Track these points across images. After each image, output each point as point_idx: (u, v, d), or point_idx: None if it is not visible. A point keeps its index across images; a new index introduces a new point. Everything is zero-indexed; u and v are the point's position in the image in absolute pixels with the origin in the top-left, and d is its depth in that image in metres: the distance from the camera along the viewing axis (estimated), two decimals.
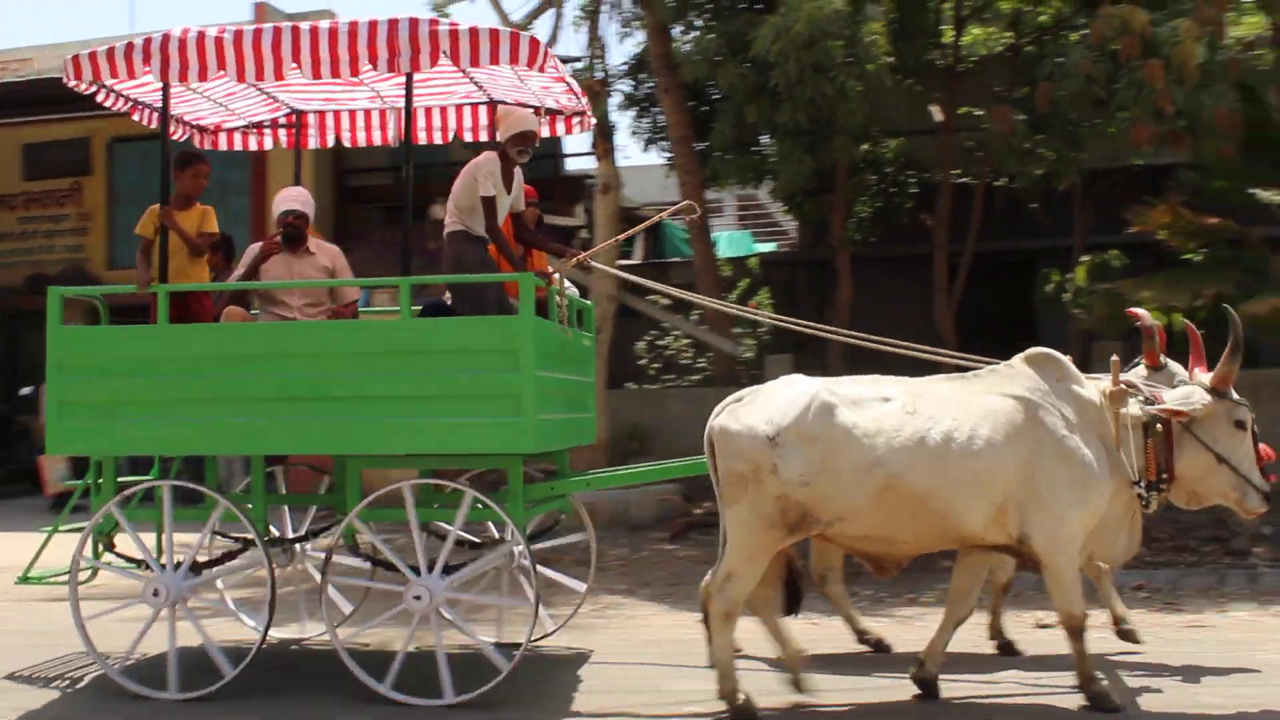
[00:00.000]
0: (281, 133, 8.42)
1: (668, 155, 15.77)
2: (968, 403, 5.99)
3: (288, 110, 8.23)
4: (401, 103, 6.79)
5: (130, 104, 7.44)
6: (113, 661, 6.70)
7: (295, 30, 6.31)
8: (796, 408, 5.90)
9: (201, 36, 6.40)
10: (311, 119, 8.32)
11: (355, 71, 6.41)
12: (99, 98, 7.16)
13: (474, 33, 6.27)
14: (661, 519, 12.34)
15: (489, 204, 6.85)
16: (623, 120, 25.54)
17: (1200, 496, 6.26)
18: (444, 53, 6.29)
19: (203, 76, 6.50)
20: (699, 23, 14.21)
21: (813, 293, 18.39)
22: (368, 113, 8.33)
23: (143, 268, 7.03)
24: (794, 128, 12.21)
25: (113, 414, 6.60)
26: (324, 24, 6.36)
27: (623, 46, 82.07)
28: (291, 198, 7.45)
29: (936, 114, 14.80)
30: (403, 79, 6.55)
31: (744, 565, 5.93)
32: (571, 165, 22.08)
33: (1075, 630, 5.98)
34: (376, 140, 8.44)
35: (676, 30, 14.77)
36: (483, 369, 6.30)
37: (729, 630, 5.97)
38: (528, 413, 6.25)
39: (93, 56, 6.57)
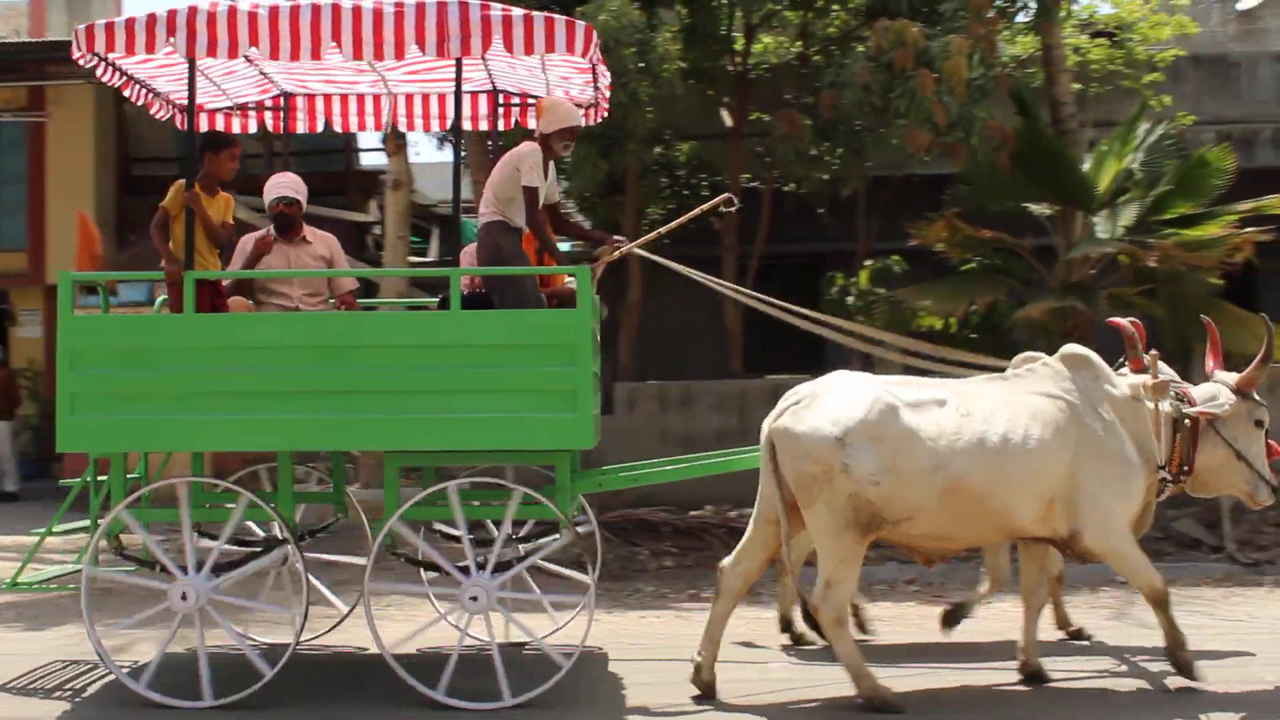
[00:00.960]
0: (268, 115, 8.19)
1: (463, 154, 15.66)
2: (1015, 404, 6.27)
3: (276, 92, 8.01)
4: (403, 88, 7.14)
5: (126, 79, 7.17)
6: (124, 667, 6.55)
7: (336, 9, 6.10)
8: (860, 407, 6.04)
9: (233, 11, 6.15)
10: (300, 102, 8.13)
11: (400, 55, 6.27)
12: (99, 72, 6.86)
13: (529, 20, 6.21)
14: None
15: (532, 194, 6.68)
16: None
17: (1212, 487, 6.81)
18: (496, 38, 6.21)
19: (233, 53, 6.26)
20: None
21: (604, 293, 18.51)
22: (360, 97, 8.16)
23: (161, 242, 6.74)
24: (586, 132, 12.30)
25: (132, 409, 6.28)
26: (366, 4, 6.15)
27: None
28: (283, 184, 7.29)
29: (728, 119, 15.17)
30: (412, 64, 6.73)
31: (839, 570, 6.05)
32: (365, 160, 21.75)
33: (1159, 602, 6.35)
34: (370, 126, 8.31)
35: None
36: (539, 363, 6.25)
37: (845, 633, 6.13)
38: (584, 408, 6.23)
39: (109, 27, 6.22)
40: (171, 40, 6.17)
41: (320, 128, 8.31)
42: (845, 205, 16.22)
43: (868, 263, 15.70)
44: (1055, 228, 13.65)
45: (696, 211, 8.50)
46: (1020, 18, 15.40)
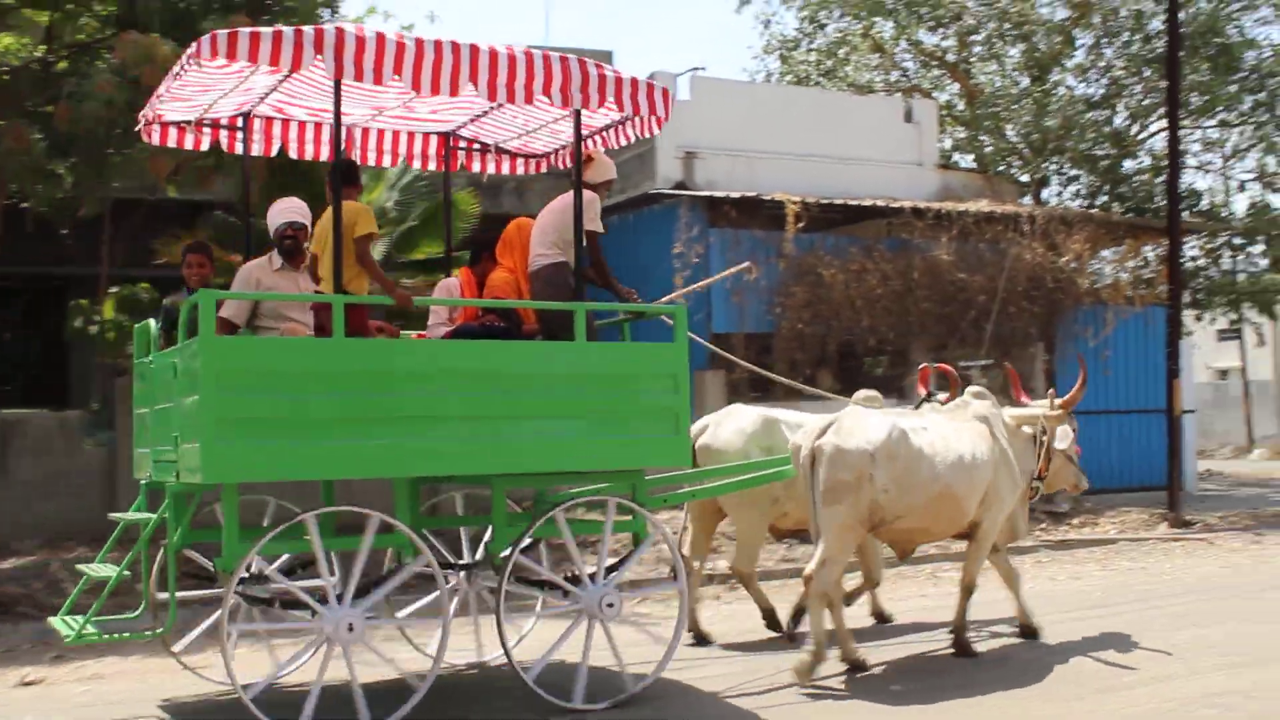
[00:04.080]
0: (223, 135, 7.98)
1: None
2: (964, 430, 8.22)
3: (234, 113, 7.80)
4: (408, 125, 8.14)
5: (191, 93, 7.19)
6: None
7: (474, 49, 6.49)
8: (883, 432, 7.71)
9: (380, 37, 6.27)
10: (258, 124, 7.97)
11: (529, 99, 6.73)
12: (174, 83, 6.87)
13: (634, 82, 7.03)
14: None
15: (596, 239, 7.41)
16: None
17: (1054, 485, 9.18)
18: (610, 95, 6.93)
19: (377, 79, 6.31)
20: None
21: None
22: (318, 125, 8.18)
23: (379, 271, 7.22)
24: None
25: (283, 435, 6.10)
26: (499, 47, 6.59)
27: None
28: (290, 209, 7.21)
29: None
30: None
31: (839, 554, 7.63)
32: None
33: (969, 590, 8.38)
34: (324, 155, 8.31)
35: None
36: (648, 390, 7.09)
37: (823, 607, 7.59)
38: (683, 430, 7.21)
39: (254, 37, 6.04)
40: (319, 58, 6.17)
41: (275, 151, 8.28)
42: (91, 227, 15.51)
43: (114, 290, 15.08)
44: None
45: (717, 277, 10.47)
46: None
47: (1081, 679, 7.60)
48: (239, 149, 7.97)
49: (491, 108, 7.82)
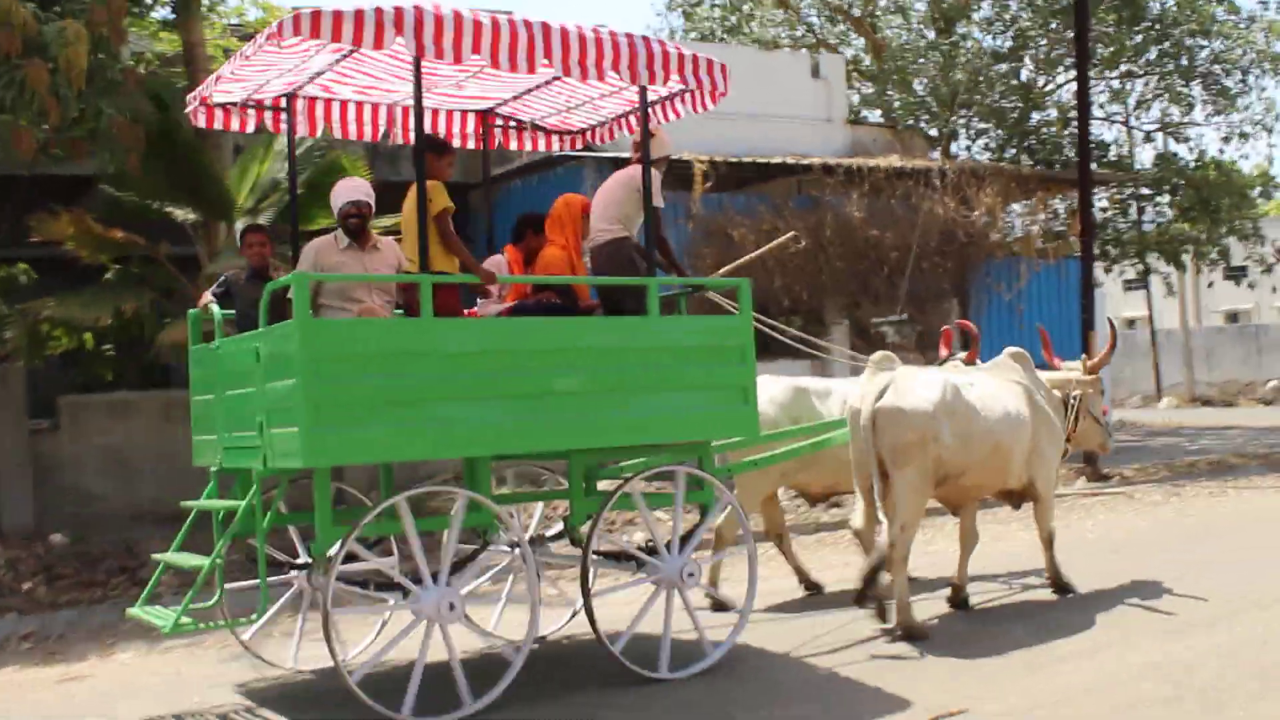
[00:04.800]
0: (267, 115, 7.94)
1: None
2: (1005, 387, 8.47)
3: (279, 94, 7.75)
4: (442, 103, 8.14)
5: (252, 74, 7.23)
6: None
7: (546, 27, 6.60)
8: (939, 389, 7.89)
9: (458, 15, 6.36)
10: (301, 104, 7.90)
11: (600, 76, 6.91)
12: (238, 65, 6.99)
13: (695, 59, 7.22)
14: None
15: (658, 214, 7.55)
16: None
17: (1081, 445, 9.58)
18: (674, 72, 7.11)
19: (457, 58, 6.42)
20: None
21: None
22: (359, 105, 8.18)
23: (458, 246, 7.04)
24: None
25: (379, 417, 6.16)
26: (569, 25, 6.72)
27: None
28: (354, 188, 7.24)
29: None
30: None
31: (914, 515, 7.80)
32: None
33: (1050, 541, 8.84)
34: (367, 135, 8.30)
35: None
36: (718, 363, 7.27)
37: (905, 569, 7.77)
38: (753, 402, 7.36)
39: (337, 16, 6.12)
40: (400, 39, 6.24)
41: (319, 132, 8.12)
42: None
43: None
44: (199, 236, 13.61)
45: (765, 250, 10.08)
46: (161, 13, 15.17)
47: (1008, 653, 7.42)
48: (283, 129, 8.00)
49: (535, 85, 8.02)
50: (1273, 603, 8.23)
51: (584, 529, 7.27)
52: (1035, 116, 26.63)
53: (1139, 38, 25.79)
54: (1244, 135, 27.78)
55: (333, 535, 6.42)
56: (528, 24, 6.56)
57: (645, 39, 7.04)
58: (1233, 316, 47.08)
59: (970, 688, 6.59)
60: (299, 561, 7.63)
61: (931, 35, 26.48)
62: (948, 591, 8.63)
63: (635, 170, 7.65)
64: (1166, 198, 27.49)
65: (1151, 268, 29.80)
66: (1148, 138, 28.70)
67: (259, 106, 7.84)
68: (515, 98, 8.29)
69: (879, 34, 27.23)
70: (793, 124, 19.18)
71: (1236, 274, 29.62)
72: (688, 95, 7.85)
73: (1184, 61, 26.42)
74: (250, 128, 7.97)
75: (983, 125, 26.59)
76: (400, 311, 7.27)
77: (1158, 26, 25.86)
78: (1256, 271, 29.82)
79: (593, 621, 6.91)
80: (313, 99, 7.95)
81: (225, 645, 8.40)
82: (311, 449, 5.99)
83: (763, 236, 16.93)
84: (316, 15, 6.11)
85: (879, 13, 27.39)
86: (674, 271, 8.07)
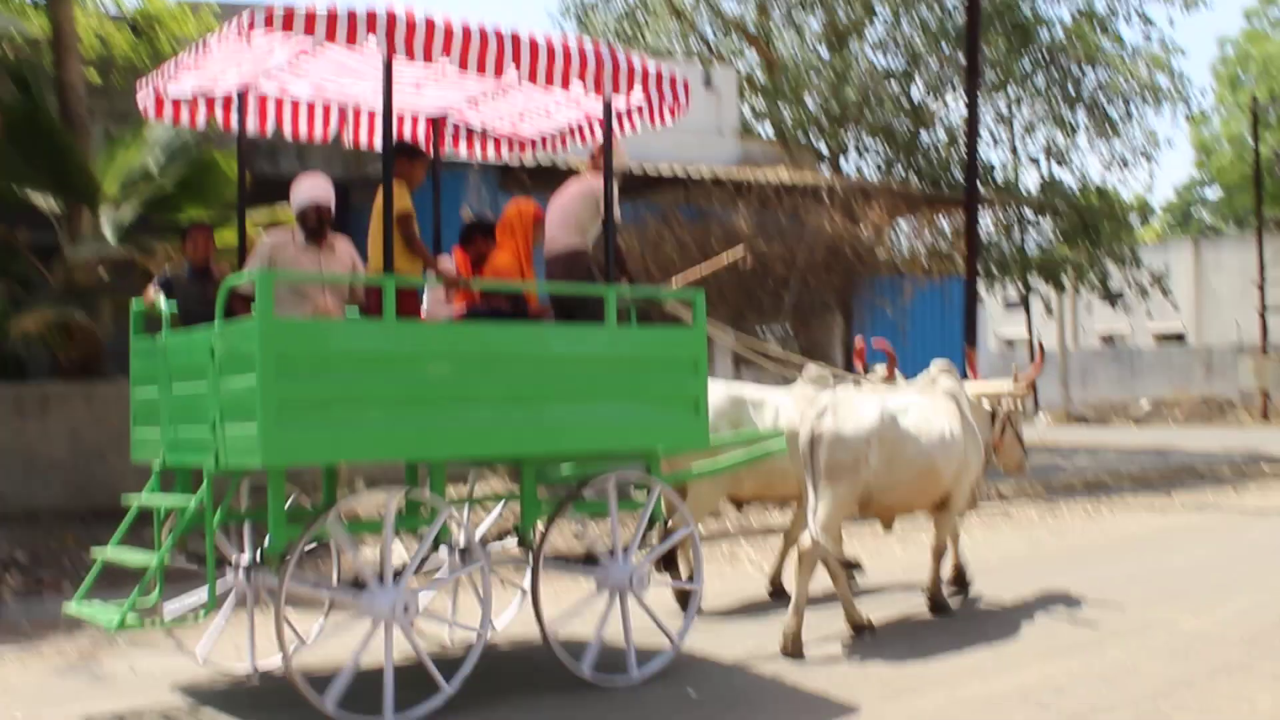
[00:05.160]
0: (219, 111, 7.79)
1: None
2: (939, 408, 8.77)
3: (230, 90, 7.57)
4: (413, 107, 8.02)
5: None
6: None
7: (515, 34, 6.65)
8: (876, 417, 8.18)
9: (429, 19, 6.43)
10: (251, 102, 7.78)
11: (565, 85, 6.90)
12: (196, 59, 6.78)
13: (660, 73, 7.30)
14: None
15: (616, 225, 7.50)
16: None
17: (999, 462, 9.64)
18: (637, 84, 7.17)
19: (427, 58, 6.48)
20: None
21: None
22: (311, 105, 8.09)
23: (424, 250, 7.15)
24: None
25: (338, 418, 6.17)
26: (536, 33, 6.76)
27: None
28: (316, 186, 7.16)
29: None
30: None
31: (836, 525, 8.14)
32: None
33: (940, 554, 9.01)
34: (317, 135, 8.16)
35: None
36: (672, 373, 7.33)
37: (813, 573, 8.00)
38: (703, 412, 7.45)
39: (310, 15, 6.08)
40: (371, 36, 6.26)
41: (270, 131, 7.94)
42: None
43: None
44: (61, 224, 13.08)
45: (721, 259, 9.99)
46: None
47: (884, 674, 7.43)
48: (234, 126, 7.78)
49: (489, 92, 7.94)
50: (1144, 628, 8.34)
51: (534, 534, 7.36)
52: (924, 137, 27.04)
53: (1027, 63, 26.32)
54: (1125, 163, 28.59)
55: (289, 534, 6.39)
56: (497, 31, 6.62)
57: (611, 49, 7.11)
58: (1109, 339, 48.38)
59: (917, 688, 6.86)
60: (242, 561, 7.44)
61: (824, 52, 26.74)
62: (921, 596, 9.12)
63: (593, 181, 7.73)
64: (1049, 221, 28.11)
65: (1032, 289, 30.44)
66: (1035, 162, 29.34)
67: (210, 101, 7.68)
68: (469, 104, 8.24)
69: (772, 49, 27.42)
70: (683, 134, 19.13)
71: (1113, 298, 30.37)
72: (646, 109, 7.83)
73: (1070, 89, 27.07)
74: (201, 123, 7.81)
75: (872, 143, 26.94)
76: (354, 311, 7.29)
77: (1046, 53, 26.45)
78: (1132, 296, 30.64)
79: (540, 623, 7.01)
80: (264, 96, 7.83)
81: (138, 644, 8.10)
82: (270, 448, 5.97)
83: (648, 246, 16.87)
84: (290, 11, 6.06)
85: (773, 28, 27.57)
86: (627, 282, 8.04)
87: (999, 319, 44.09)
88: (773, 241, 17.75)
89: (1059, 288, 30.31)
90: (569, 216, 7.75)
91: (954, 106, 26.80)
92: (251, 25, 6.10)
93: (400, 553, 7.43)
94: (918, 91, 27.13)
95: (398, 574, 6.49)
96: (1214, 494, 17.15)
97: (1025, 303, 32.66)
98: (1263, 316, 35.00)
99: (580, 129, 8.48)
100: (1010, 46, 25.64)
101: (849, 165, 26.91)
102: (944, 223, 22.56)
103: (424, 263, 7.13)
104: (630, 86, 7.16)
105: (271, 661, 7.44)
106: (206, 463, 6.49)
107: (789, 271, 17.62)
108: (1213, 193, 53.97)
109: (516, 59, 6.64)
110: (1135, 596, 9.36)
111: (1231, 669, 7.22)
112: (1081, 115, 27.58)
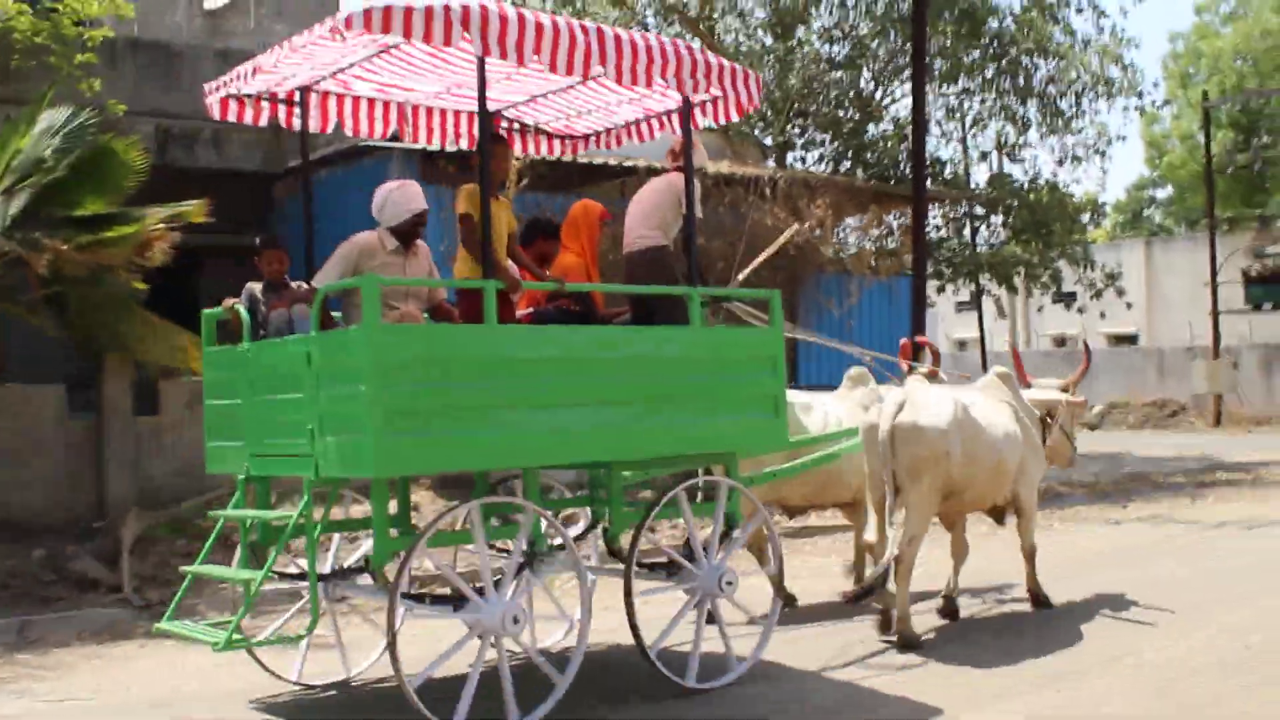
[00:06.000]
0: (281, 109, 7.95)
1: None
2: (998, 407, 9.04)
3: (294, 88, 7.76)
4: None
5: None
6: None
7: (601, 32, 6.72)
8: (952, 408, 8.31)
9: (522, 19, 6.41)
10: (314, 98, 7.95)
11: (649, 83, 7.02)
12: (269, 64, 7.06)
13: (734, 70, 7.38)
14: None
15: (696, 223, 7.64)
16: None
17: (1052, 460, 9.90)
18: (714, 81, 7.22)
19: (520, 59, 6.50)
20: None
21: None
22: (371, 102, 8.21)
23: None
24: None
25: (446, 426, 6.17)
26: (621, 32, 6.86)
27: None
28: (419, 196, 7.29)
29: None
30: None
31: (923, 527, 8.24)
32: None
33: (1031, 555, 9.50)
34: (378, 132, 8.34)
35: None
36: (752, 374, 7.47)
37: (909, 578, 8.14)
38: (783, 412, 7.57)
39: (408, 12, 6.13)
40: (466, 35, 6.29)
41: (331, 127, 8.14)
42: None
43: None
44: None
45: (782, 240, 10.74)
46: None
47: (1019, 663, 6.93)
48: (296, 124, 7.94)
49: (551, 90, 8.11)
50: (1109, 661, 7.93)
51: (624, 540, 7.50)
52: (872, 130, 26.61)
53: (976, 54, 25.97)
54: (1076, 159, 28.33)
55: (395, 546, 6.52)
56: (584, 28, 6.72)
57: (689, 47, 7.26)
58: (1060, 341, 48.37)
59: (988, 699, 7.04)
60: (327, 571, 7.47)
61: (768, 40, 26.24)
62: (938, 602, 9.24)
63: (674, 178, 7.79)
64: (1000, 218, 27.79)
65: (984, 289, 30.14)
66: (984, 157, 29.01)
67: (273, 99, 7.85)
68: (528, 102, 8.36)
69: (715, 37, 26.88)
70: None
71: (1066, 299, 30.13)
72: (713, 105, 7.95)
73: (1020, 81, 26.75)
74: (264, 120, 7.95)
75: (819, 136, 26.46)
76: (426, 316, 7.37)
77: (996, 44, 26.11)
78: (1086, 296, 30.42)
79: (635, 630, 7.02)
80: (325, 94, 7.98)
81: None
82: (381, 458, 6.01)
83: None
84: (388, 11, 6.14)
85: (715, 15, 27.04)
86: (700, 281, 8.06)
87: (951, 320, 43.90)
88: (714, 237, 17.20)
89: (1010, 288, 30.03)
90: (652, 213, 7.78)
91: (902, 99, 26.38)
92: (349, 24, 6.14)
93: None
94: (865, 81, 26.68)
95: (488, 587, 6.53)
96: (1170, 505, 16.78)
97: (978, 303, 32.38)
98: (1215, 319, 34.91)
99: (637, 125, 8.67)
100: (958, 35, 25.24)
101: (795, 159, 26.44)
102: (892, 220, 22.15)
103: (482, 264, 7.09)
104: (709, 84, 7.28)
105: (332, 674, 7.69)
106: (306, 474, 6.51)
107: (729, 267, 17.07)
108: (1164, 193, 54.19)
109: (604, 58, 6.72)
110: (1097, 624, 8.92)
111: (1204, 705, 6.82)
112: (1033, 109, 27.28)
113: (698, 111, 7.94)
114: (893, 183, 24.14)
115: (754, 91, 7.57)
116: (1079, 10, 27.18)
